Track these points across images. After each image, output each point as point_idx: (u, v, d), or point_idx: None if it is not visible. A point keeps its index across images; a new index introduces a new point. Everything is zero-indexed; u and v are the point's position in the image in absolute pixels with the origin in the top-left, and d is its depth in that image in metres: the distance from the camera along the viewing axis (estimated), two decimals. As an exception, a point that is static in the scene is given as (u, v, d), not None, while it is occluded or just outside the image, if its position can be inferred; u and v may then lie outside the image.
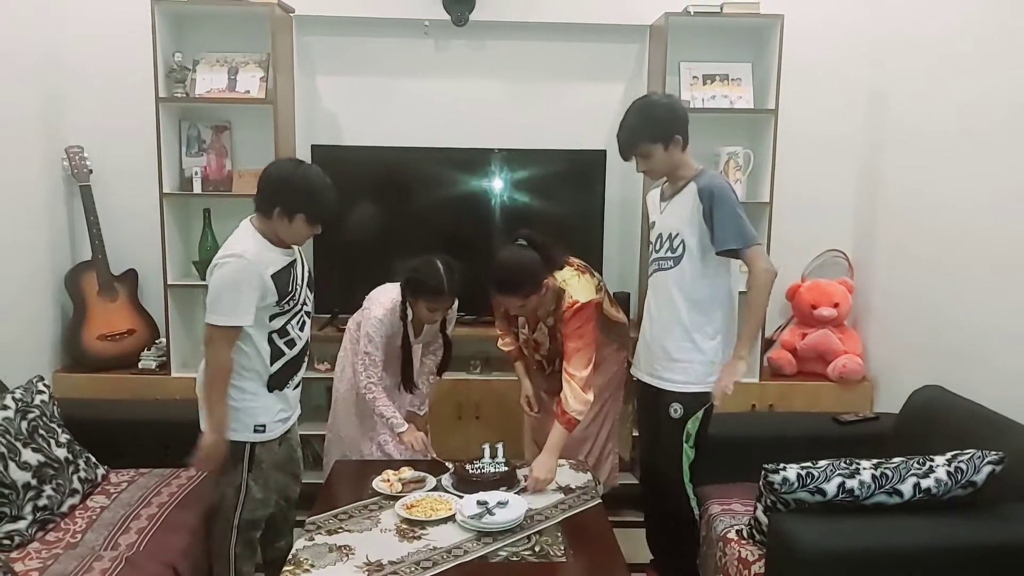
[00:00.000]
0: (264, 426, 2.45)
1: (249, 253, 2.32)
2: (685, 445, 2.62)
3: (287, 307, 2.42)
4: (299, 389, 2.62)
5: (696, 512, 2.69)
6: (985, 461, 2.14)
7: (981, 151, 2.86)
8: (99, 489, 2.69)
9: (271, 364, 2.43)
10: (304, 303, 2.52)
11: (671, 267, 2.61)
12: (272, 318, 2.40)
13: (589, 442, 3.05)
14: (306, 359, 2.60)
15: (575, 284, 2.79)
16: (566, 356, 2.74)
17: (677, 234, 2.59)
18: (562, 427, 2.66)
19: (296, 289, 2.45)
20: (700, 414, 2.62)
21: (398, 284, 2.85)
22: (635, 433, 3.35)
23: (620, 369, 3.06)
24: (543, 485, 2.59)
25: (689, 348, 2.61)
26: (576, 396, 2.65)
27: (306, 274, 2.56)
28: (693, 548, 2.74)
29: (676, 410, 2.63)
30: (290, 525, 2.76)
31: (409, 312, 2.84)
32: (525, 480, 2.62)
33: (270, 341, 2.42)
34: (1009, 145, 2.71)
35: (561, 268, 2.80)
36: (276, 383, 2.47)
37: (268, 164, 2.43)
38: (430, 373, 3.08)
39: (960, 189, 2.98)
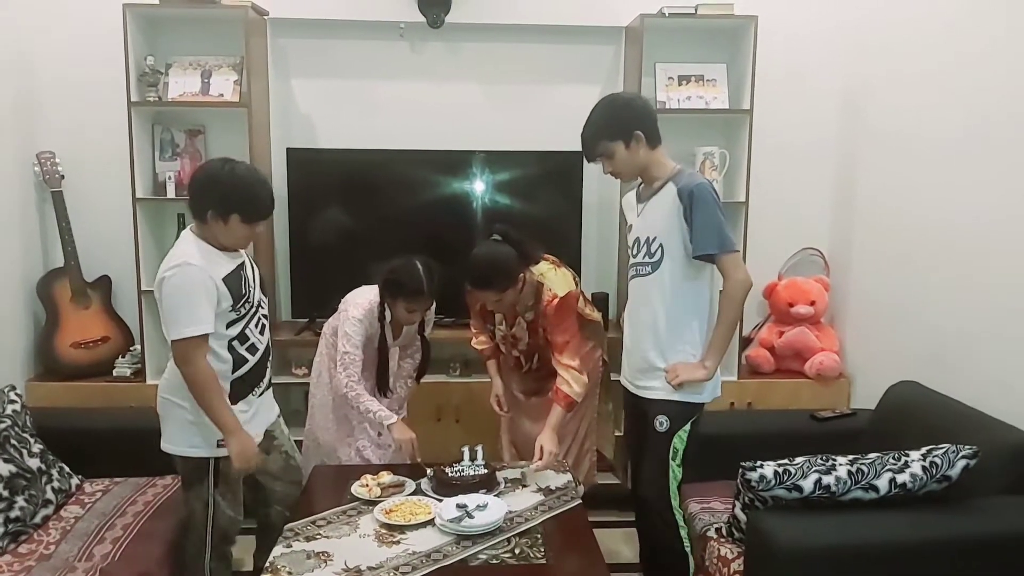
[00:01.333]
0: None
1: (194, 259, 2.25)
2: (672, 463, 2.47)
3: (243, 311, 2.36)
4: (267, 395, 2.57)
5: (686, 539, 2.52)
6: (959, 455, 2.16)
7: (955, 151, 2.89)
8: (73, 499, 2.66)
9: (234, 372, 2.38)
10: (260, 305, 2.46)
11: (649, 273, 2.48)
12: (229, 325, 2.34)
13: (567, 441, 3.06)
14: (270, 364, 2.55)
15: (553, 277, 2.81)
16: (557, 349, 2.78)
17: (655, 238, 2.46)
18: (561, 408, 2.74)
19: (249, 291, 2.39)
20: (688, 428, 2.48)
21: (374, 286, 2.84)
22: (618, 433, 3.37)
23: (595, 367, 3.07)
24: (554, 458, 2.70)
25: (672, 356, 2.48)
26: (576, 380, 2.74)
27: (257, 276, 2.50)
28: (681, 572, 2.55)
29: (661, 423, 2.47)
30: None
31: (387, 313, 2.83)
32: (505, 483, 2.61)
33: (231, 349, 2.36)
34: (983, 146, 2.74)
35: (537, 262, 2.82)
36: (240, 392, 2.41)
37: (195, 167, 2.37)
38: (408, 376, 3.07)
39: (934, 188, 3.01)
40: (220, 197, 2.28)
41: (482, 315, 3.04)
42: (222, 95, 3.47)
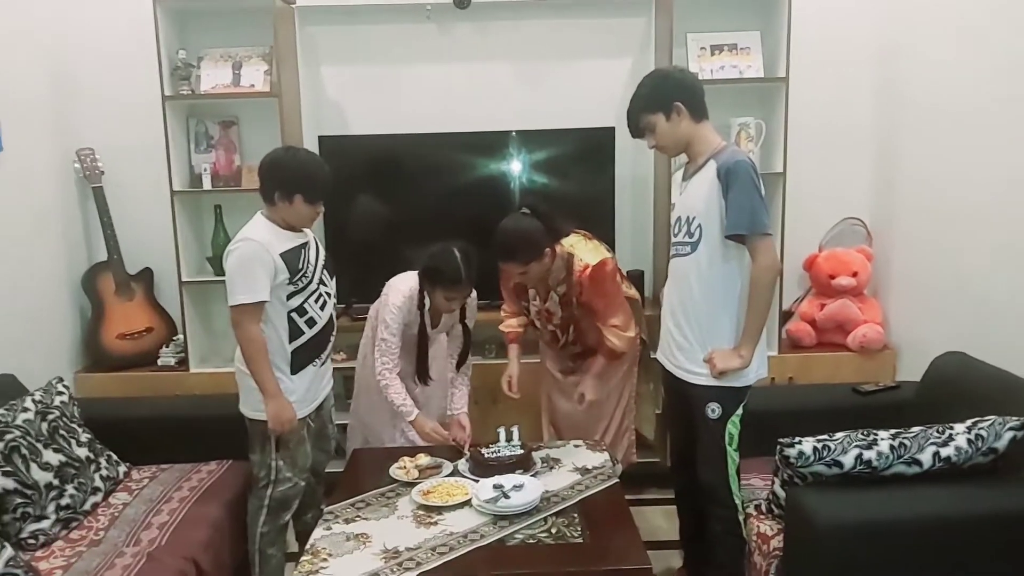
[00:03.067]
0: None
1: (256, 236, 2.46)
2: (729, 448, 2.42)
3: (300, 284, 2.52)
4: (327, 367, 2.73)
5: (742, 521, 2.46)
6: (1007, 427, 2.09)
7: (998, 114, 2.77)
8: (121, 486, 2.73)
9: (290, 342, 2.53)
10: (322, 283, 2.61)
11: (688, 253, 2.41)
12: (289, 297, 2.51)
13: (605, 420, 3.06)
14: (332, 340, 2.69)
15: (582, 248, 2.81)
16: (599, 317, 2.84)
17: (694, 217, 2.38)
18: (603, 357, 2.89)
19: (308, 267, 2.55)
20: (740, 412, 2.43)
21: (416, 273, 2.84)
22: (657, 411, 3.34)
23: (633, 346, 3.04)
24: (590, 405, 2.93)
25: (710, 339, 2.41)
26: (619, 337, 2.85)
27: (322, 258, 2.66)
28: (737, 558, 2.48)
29: (714, 410, 2.42)
30: (317, 499, 2.83)
31: (426, 301, 2.83)
32: (542, 463, 2.62)
33: (289, 320, 2.52)
34: (1026, 103, 2.63)
35: (566, 236, 2.82)
36: (300, 362, 2.56)
37: (263, 156, 2.58)
38: (464, 374, 3.05)
39: (980, 151, 2.90)
40: (284, 180, 2.49)
41: (515, 292, 3.03)
42: (253, 85, 3.51)
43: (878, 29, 3.58)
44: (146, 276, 3.65)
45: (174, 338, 3.63)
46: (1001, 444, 2.08)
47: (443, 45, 3.71)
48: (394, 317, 2.79)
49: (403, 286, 2.85)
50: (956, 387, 2.62)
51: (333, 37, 3.71)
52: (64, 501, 2.46)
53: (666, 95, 2.39)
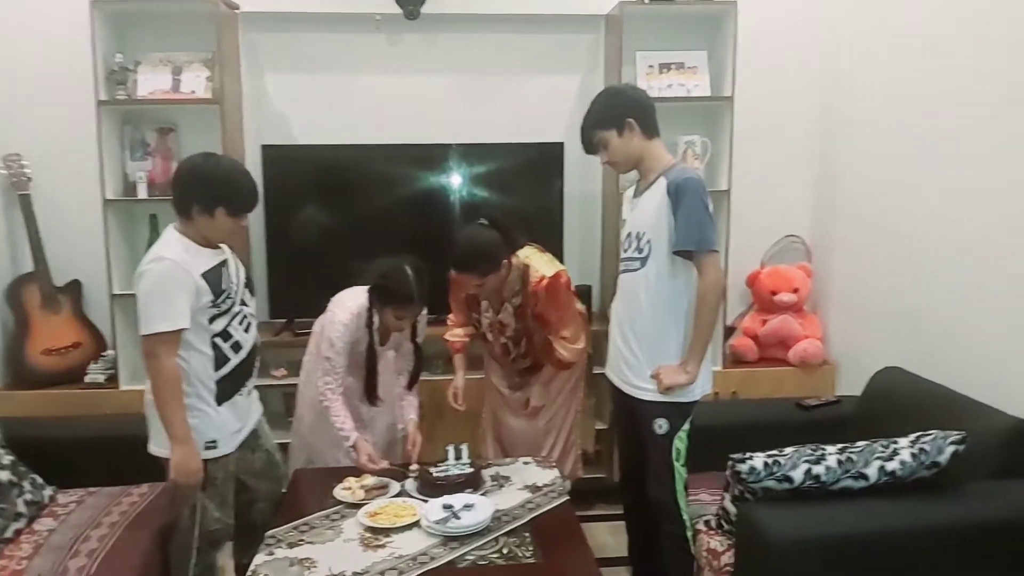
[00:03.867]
0: (215, 441, 2.36)
1: (170, 254, 2.24)
2: (676, 464, 2.44)
3: (224, 306, 2.33)
4: (253, 396, 2.55)
5: (690, 537, 2.47)
6: (948, 441, 2.14)
7: (939, 133, 2.87)
8: (46, 511, 2.58)
9: (216, 370, 2.34)
10: (243, 303, 2.43)
11: (638, 268, 2.43)
12: (212, 320, 2.31)
13: (553, 435, 3.04)
14: (256, 364, 2.52)
15: (538, 260, 2.83)
16: (552, 328, 2.84)
17: (644, 233, 2.42)
18: (552, 366, 2.93)
19: (231, 287, 2.36)
20: (687, 427, 2.44)
21: (365, 288, 2.76)
22: (598, 426, 3.35)
23: (580, 360, 3.03)
24: (535, 410, 3.00)
25: (657, 354, 2.44)
26: (568, 349, 2.89)
27: (242, 275, 2.47)
28: (687, 574, 2.50)
29: (660, 426, 2.43)
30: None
31: (375, 319, 2.75)
32: (491, 481, 2.57)
33: (214, 346, 2.33)
34: (967, 126, 2.72)
35: (522, 247, 2.83)
36: (225, 392, 2.37)
37: (167, 166, 2.36)
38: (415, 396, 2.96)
39: (917, 171, 2.99)
40: (205, 191, 2.27)
41: (467, 303, 2.99)
42: (194, 92, 3.39)
43: (820, 53, 3.68)
44: (74, 289, 3.48)
45: (103, 354, 3.47)
46: (943, 458, 2.13)
47: (392, 56, 3.66)
48: (340, 335, 2.70)
49: (351, 303, 2.75)
50: (896, 401, 2.70)
51: (278, 44, 3.62)
52: (-17, 529, 2.32)
53: (619, 112, 2.42)
